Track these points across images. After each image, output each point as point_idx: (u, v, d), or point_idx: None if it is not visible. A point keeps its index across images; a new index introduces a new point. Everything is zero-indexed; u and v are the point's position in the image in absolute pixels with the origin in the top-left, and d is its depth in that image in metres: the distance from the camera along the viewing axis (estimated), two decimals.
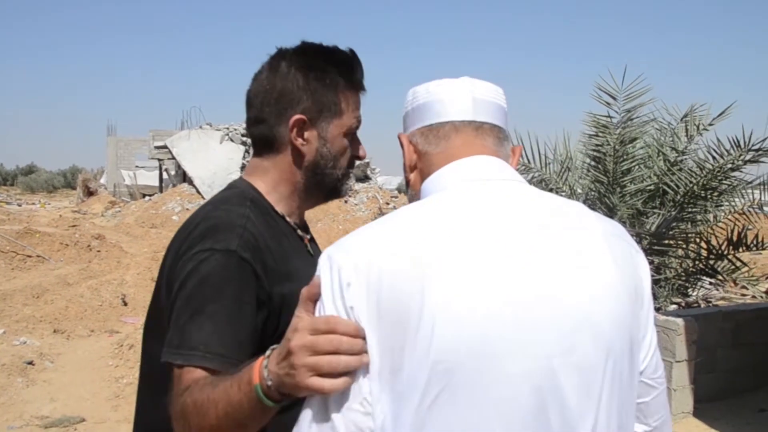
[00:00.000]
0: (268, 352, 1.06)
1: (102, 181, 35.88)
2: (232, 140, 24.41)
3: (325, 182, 1.58)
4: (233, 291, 1.33)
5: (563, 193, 7.66)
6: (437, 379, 0.94)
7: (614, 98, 6.81)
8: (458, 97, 1.19)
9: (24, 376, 6.59)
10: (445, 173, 1.15)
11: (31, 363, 6.93)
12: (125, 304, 10.00)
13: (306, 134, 1.50)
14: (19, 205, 30.09)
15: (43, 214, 25.06)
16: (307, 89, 1.49)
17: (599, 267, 1.04)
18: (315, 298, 1.02)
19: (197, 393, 1.18)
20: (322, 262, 1.03)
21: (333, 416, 0.97)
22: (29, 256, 13.83)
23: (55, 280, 11.71)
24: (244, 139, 24.44)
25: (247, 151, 23.99)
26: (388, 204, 18.50)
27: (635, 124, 6.91)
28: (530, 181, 7.80)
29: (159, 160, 28.02)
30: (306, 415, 1.01)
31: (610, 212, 6.79)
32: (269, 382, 1.04)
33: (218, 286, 1.32)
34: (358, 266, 0.98)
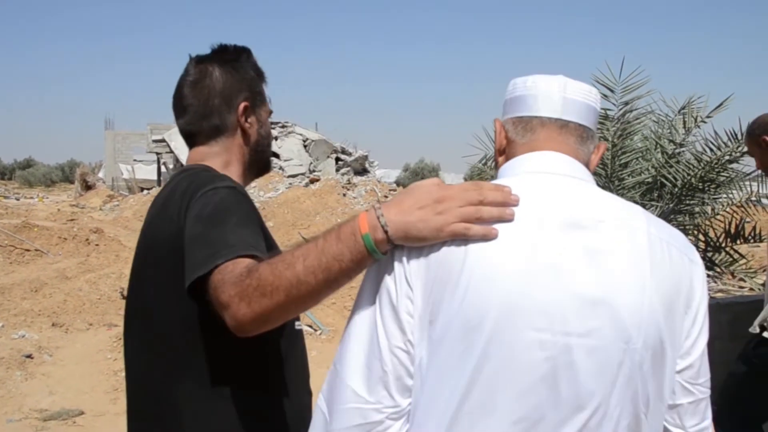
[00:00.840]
0: (375, 206, 1.16)
1: (100, 175, 35.88)
2: None
3: (263, 159, 1.82)
4: (247, 209, 1.48)
5: None
6: (465, 331, 1.10)
7: (612, 90, 6.79)
8: (551, 94, 1.29)
9: (23, 369, 6.60)
10: (519, 162, 1.29)
11: (29, 356, 6.94)
12: (124, 297, 9.98)
13: (249, 119, 1.72)
14: (18, 199, 30.06)
15: (42, 208, 25.05)
16: (244, 81, 1.72)
17: (631, 267, 1.15)
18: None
19: (267, 263, 1.21)
20: None
21: (383, 352, 1.14)
22: (27, 250, 13.83)
23: (54, 273, 11.72)
24: None
25: None
26: (386, 197, 18.49)
27: (633, 117, 6.89)
28: None
29: (157, 153, 28.04)
30: (354, 349, 1.17)
31: None
32: (387, 229, 1.12)
33: (232, 206, 1.45)
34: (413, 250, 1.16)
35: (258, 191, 20.83)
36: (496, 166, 1.39)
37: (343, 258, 1.15)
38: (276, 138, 24.74)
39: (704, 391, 1.27)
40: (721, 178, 6.76)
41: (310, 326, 8.49)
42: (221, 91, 1.69)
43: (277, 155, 23.79)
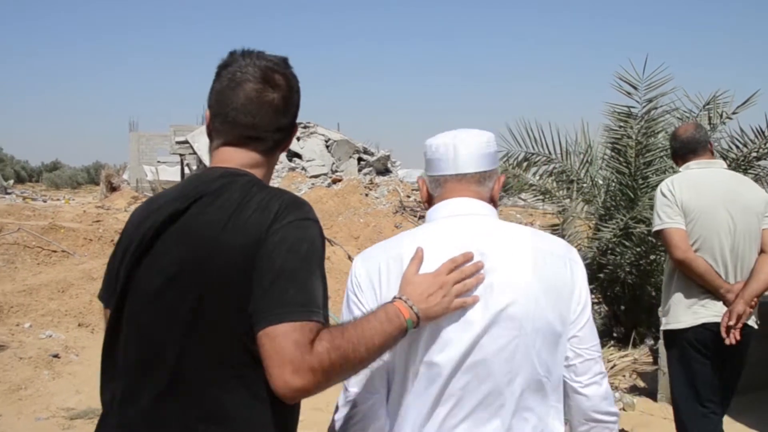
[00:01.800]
0: (403, 297, 1.57)
1: (125, 176, 36.22)
2: None
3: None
4: (323, 257, 1.57)
5: (585, 185, 7.61)
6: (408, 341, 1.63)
7: (635, 88, 6.72)
8: (448, 157, 1.75)
9: (50, 368, 6.68)
10: (436, 209, 1.78)
11: (56, 356, 7.02)
12: None
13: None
14: (44, 201, 30.41)
15: (68, 209, 25.29)
16: (298, 105, 1.74)
17: (517, 277, 1.63)
18: (420, 262, 1.64)
19: (338, 339, 1.44)
20: (355, 264, 1.78)
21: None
22: (54, 251, 13.99)
23: (80, 274, 11.83)
24: None
25: None
26: (408, 197, 18.44)
27: (657, 114, 6.81)
28: (551, 173, 7.80)
29: (180, 155, 28.26)
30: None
31: (632, 204, 6.73)
32: (419, 314, 1.56)
33: (321, 251, 1.55)
34: (365, 268, 1.73)
35: None
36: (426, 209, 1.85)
37: (392, 336, 1.53)
38: (298, 138, 24.82)
39: (591, 354, 1.71)
40: (749, 176, 6.67)
41: None
42: (293, 112, 1.73)
43: (299, 155, 23.87)
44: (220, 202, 1.54)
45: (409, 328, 1.55)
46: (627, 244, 6.78)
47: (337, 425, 1.77)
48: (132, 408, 1.54)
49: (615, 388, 5.76)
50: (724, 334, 3.32)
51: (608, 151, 7.31)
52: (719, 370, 3.49)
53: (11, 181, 37.94)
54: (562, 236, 7.14)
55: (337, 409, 1.78)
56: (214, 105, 1.68)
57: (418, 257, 1.64)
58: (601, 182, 7.58)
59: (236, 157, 1.65)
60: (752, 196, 3.50)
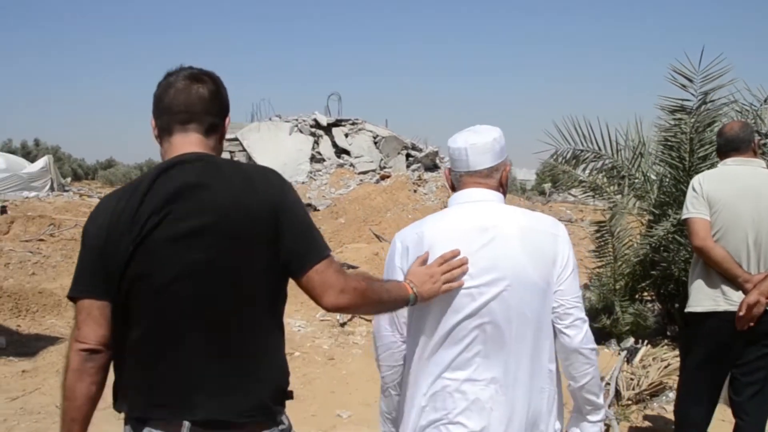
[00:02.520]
0: (408, 280, 2.14)
1: None
2: (301, 131, 24.64)
3: None
4: None
5: (636, 181, 7.46)
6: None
7: (690, 80, 6.53)
8: (461, 159, 2.27)
9: None
10: (455, 197, 2.31)
11: None
12: None
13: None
14: (100, 198, 31.16)
15: None
16: (226, 98, 2.08)
17: (511, 247, 2.14)
18: (423, 261, 2.18)
19: (367, 279, 2.07)
20: (394, 238, 2.34)
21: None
22: None
23: None
24: (313, 130, 24.63)
25: (316, 142, 24.20)
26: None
27: (713, 107, 6.61)
28: (601, 168, 7.68)
29: (230, 152, 28.48)
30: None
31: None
32: (416, 293, 2.10)
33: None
34: (400, 240, 2.29)
35: (329, 188, 21.01)
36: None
37: (400, 298, 2.10)
38: (346, 135, 24.90)
39: (571, 303, 2.18)
40: None
41: None
42: (224, 102, 2.07)
43: (347, 152, 23.95)
44: (232, 174, 1.91)
45: (410, 302, 2.11)
46: (681, 240, 6.62)
47: (376, 352, 2.43)
48: (173, 367, 1.85)
49: (669, 388, 5.64)
50: (738, 325, 3.53)
51: (661, 146, 7.14)
52: (735, 357, 3.68)
53: (69, 179, 38.89)
54: (610, 233, 7.02)
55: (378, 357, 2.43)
56: (154, 110, 2.01)
57: (422, 258, 2.18)
58: (654, 178, 7.42)
59: (190, 141, 1.96)
60: None
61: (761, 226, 3.57)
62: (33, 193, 28.02)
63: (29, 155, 40.85)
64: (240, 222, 1.83)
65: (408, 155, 25.22)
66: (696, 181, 3.76)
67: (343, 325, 7.96)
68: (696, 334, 3.80)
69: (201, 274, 1.81)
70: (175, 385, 1.84)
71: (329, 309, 1.97)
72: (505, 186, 2.32)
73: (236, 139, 25.97)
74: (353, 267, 10.59)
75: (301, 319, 8.35)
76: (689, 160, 6.53)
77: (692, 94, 6.56)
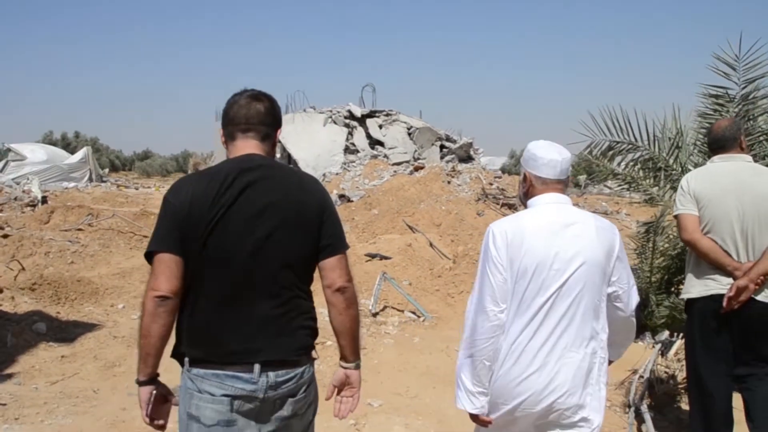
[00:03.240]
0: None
1: (211, 164, 37.20)
2: (335, 123, 24.69)
3: None
4: None
5: (674, 172, 7.33)
6: (518, 271, 2.73)
7: (733, 68, 6.38)
8: (554, 168, 2.87)
9: None
10: (541, 198, 2.87)
11: None
12: None
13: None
14: (137, 189, 31.58)
15: (158, 196, 26.19)
16: (279, 113, 2.68)
17: (589, 240, 2.76)
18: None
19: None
20: (488, 230, 2.82)
21: (493, 284, 2.74)
22: (145, 237, 14.52)
23: None
24: (347, 121, 24.66)
25: (350, 133, 24.22)
26: (491, 184, 18.25)
27: (758, 96, 6.44)
28: (637, 160, 7.55)
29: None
30: (481, 290, 2.77)
31: None
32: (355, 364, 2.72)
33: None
34: (500, 231, 2.77)
35: (363, 179, 21.02)
36: (524, 198, 2.98)
37: (358, 340, 2.68)
38: (381, 126, 24.88)
39: (621, 287, 2.85)
40: None
41: (414, 312, 8.51)
42: (277, 116, 2.66)
43: (381, 143, 23.94)
44: (287, 176, 2.52)
45: (353, 366, 2.69)
46: None
47: (478, 332, 2.75)
48: (249, 324, 2.39)
49: None
50: (725, 304, 3.85)
51: (701, 137, 6.99)
52: (735, 338, 3.98)
53: (106, 170, 39.55)
54: (657, 229, 6.94)
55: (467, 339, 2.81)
56: (222, 121, 2.60)
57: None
58: (691, 169, 7.28)
59: (248, 147, 2.53)
60: (766, 186, 3.93)
61: (746, 217, 3.89)
62: (72, 184, 28.55)
63: (69, 147, 41.57)
64: (291, 211, 2.43)
65: (442, 146, 25.13)
66: (684, 180, 4.13)
67: (375, 315, 7.98)
68: (690, 319, 4.18)
69: (260, 247, 2.38)
70: (243, 334, 2.37)
71: (335, 286, 2.48)
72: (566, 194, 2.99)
73: None
74: (386, 258, 10.61)
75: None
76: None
77: (735, 83, 6.40)
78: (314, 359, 2.58)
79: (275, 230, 2.39)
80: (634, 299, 2.91)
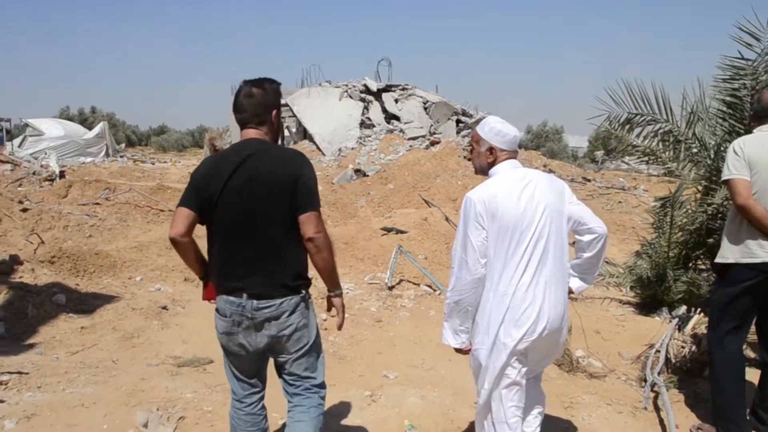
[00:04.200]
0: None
1: (227, 139, 37.23)
2: (351, 97, 24.61)
3: (277, 137, 3.43)
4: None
5: (693, 145, 7.25)
6: (498, 230, 3.27)
7: (757, 39, 6.25)
8: (514, 140, 3.51)
9: (159, 319, 7.01)
10: (501, 166, 3.47)
11: (164, 308, 7.36)
12: None
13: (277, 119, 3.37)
14: (153, 164, 31.69)
15: (174, 171, 26.32)
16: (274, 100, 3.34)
17: (545, 189, 3.38)
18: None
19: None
20: (466, 198, 3.37)
21: (474, 244, 3.29)
22: (162, 211, 14.60)
23: None
24: (363, 95, 24.57)
25: (366, 108, 24.12)
26: (547, 167, 18.13)
27: None
28: (656, 132, 7.46)
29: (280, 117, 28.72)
30: (461, 249, 3.34)
31: None
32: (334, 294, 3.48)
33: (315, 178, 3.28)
34: (479, 198, 3.31)
35: (379, 153, 20.97)
36: (487, 168, 3.52)
37: (336, 277, 3.40)
38: (396, 101, 24.78)
39: (581, 215, 3.47)
40: None
41: (430, 286, 8.53)
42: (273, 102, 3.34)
43: (397, 117, 23.84)
44: (271, 156, 3.19)
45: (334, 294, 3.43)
46: None
47: (461, 284, 3.34)
48: (241, 264, 3.18)
49: None
50: None
51: (721, 110, 6.89)
52: (762, 307, 4.25)
53: (123, 145, 39.70)
54: (675, 203, 6.90)
55: (453, 282, 3.40)
56: (242, 107, 3.27)
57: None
58: (711, 143, 7.19)
59: (251, 132, 3.28)
60: None
61: None
62: (89, 159, 28.72)
63: (86, 122, 41.76)
64: (272, 181, 3.13)
65: (458, 121, 25.01)
66: (737, 144, 4.12)
67: (391, 288, 8.00)
68: (722, 283, 4.30)
69: (249, 208, 3.14)
70: (238, 273, 3.19)
71: (306, 236, 3.14)
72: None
73: (286, 105, 26.09)
74: (402, 232, 10.61)
75: (349, 282, 8.42)
76: (749, 124, 6.29)
77: (758, 53, 6.28)
78: (299, 294, 3.24)
79: (260, 196, 3.13)
80: (600, 223, 3.50)
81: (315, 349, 3.37)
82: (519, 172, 3.41)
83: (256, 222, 3.14)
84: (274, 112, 3.29)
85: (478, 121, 24.52)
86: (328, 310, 3.49)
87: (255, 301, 3.15)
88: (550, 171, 22.09)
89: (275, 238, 3.16)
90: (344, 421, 4.60)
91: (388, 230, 10.84)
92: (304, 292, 3.25)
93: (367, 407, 4.83)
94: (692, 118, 7.23)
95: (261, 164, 3.14)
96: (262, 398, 3.50)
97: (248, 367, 3.39)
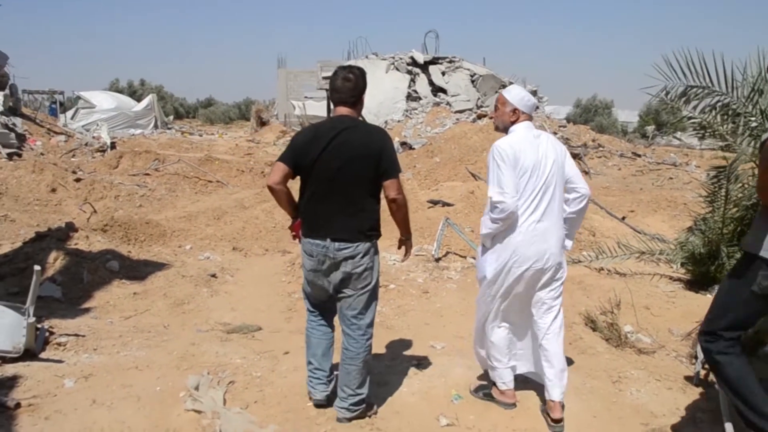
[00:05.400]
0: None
1: (273, 111, 37.43)
2: (397, 69, 24.47)
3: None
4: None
5: (753, 119, 7.02)
6: (523, 172, 3.99)
7: None
8: (534, 106, 4.28)
9: (208, 287, 7.13)
10: (520, 125, 4.16)
11: (214, 276, 7.48)
12: None
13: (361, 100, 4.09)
14: (200, 136, 32.05)
15: (221, 143, 26.60)
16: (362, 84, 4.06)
17: (552, 147, 4.13)
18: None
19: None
20: (494, 146, 4.08)
21: (508, 180, 3.97)
22: (210, 182, 14.80)
23: (233, 203, 12.47)
24: (410, 68, 24.41)
25: (412, 80, 23.98)
26: (555, 133, 17.88)
27: None
28: (714, 105, 7.24)
29: (326, 90, 28.66)
30: (498, 180, 3.99)
31: None
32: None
33: (394, 149, 4.13)
34: (506, 146, 4.03)
35: (425, 126, 20.87)
36: (509, 125, 4.18)
37: (409, 229, 4.29)
38: (443, 73, 24.56)
39: (572, 174, 4.18)
40: None
41: (476, 258, 8.47)
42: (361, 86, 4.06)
43: (444, 90, 23.66)
44: (360, 131, 3.93)
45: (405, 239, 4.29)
46: None
47: (499, 214, 3.97)
48: (328, 213, 3.94)
49: None
50: None
51: None
52: None
53: (171, 117, 40.24)
54: (730, 176, 6.72)
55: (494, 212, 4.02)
56: (330, 89, 4.03)
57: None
58: None
59: (343, 110, 3.99)
60: None
61: None
62: (138, 131, 29.19)
63: (135, 94, 42.40)
64: (359, 150, 3.87)
65: None
66: None
67: (438, 260, 7.98)
68: (745, 273, 3.57)
69: (339, 170, 3.87)
70: (325, 219, 3.94)
71: (388, 198, 3.92)
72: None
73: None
74: (449, 204, 10.56)
75: (396, 253, 8.42)
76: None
77: None
78: (371, 242, 4.01)
79: (348, 161, 3.87)
80: (584, 184, 4.19)
81: (374, 291, 4.13)
82: (533, 131, 4.15)
83: (343, 182, 3.88)
84: (363, 96, 4.07)
85: None
86: (399, 248, 4.38)
87: (336, 243, 3.91)
88: (599, 146, 21.72)
89: (358, 195, 3.91)
90: (391, 390, 4.62)
91: (435, 203, 10.81)
92: (374, 241, 4.04)
93: (413, 376, 4.84)
94: (754, 90, 6.99)
95: (352, 137, 3.88)
96: (331, 318, 4.33)
97: (323, 298, 4.20)
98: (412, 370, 4.93)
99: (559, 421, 4.14)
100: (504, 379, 4.36)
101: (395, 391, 4.60)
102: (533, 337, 4.35)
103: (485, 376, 4.70)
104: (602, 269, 7.87)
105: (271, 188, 3.96)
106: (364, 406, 4.16)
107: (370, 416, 4.21)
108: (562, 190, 4.14)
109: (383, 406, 4.38)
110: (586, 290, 7.21)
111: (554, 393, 4.15)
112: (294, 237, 4.17)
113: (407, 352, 5.30)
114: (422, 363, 5.04)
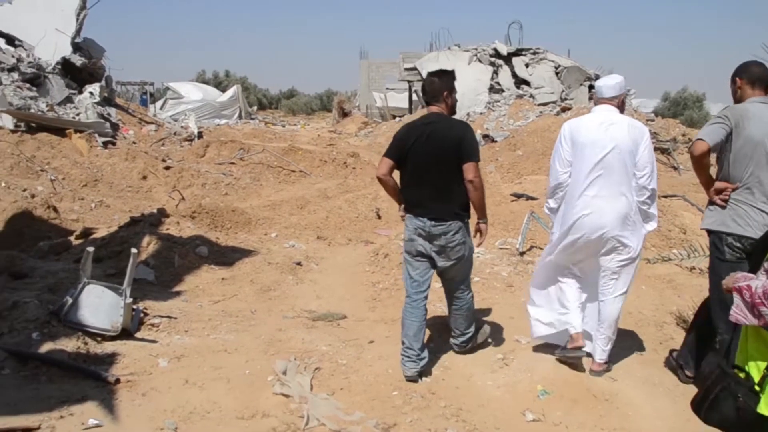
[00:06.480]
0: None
1: (355, 103, 37.66)
2: (480, 61, 24.21)
3: (454, 111, 4.85)
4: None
5: None
6: (580, 149, 4.58)
7: None
8: (600, 92, 4.74)
9: (294, 274, 7.24)
10: (598, 107, 4.70)
11: (299, 264, 7.58)
12: (379, 217, 10.51)
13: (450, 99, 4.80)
14: (283, 126, 32.57)
15: (304, 133, 26.96)
16: (450, 84, 4.80)
17: (623, 132, 4.49)
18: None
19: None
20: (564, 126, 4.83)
21: (561, 155, 4.71)
22: (293, 171, 15.02)
23: (316, 193, 12.62)
24: (493, 59, 24.13)
25: (495, 72, 23.71)
26: None
27: None
28: None
29: (408, 81, 28.62)
30: (554, 157, 4.79)
31: None
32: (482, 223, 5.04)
33: (476, 138, 4.85)
34: (567, 125, 4.75)
35: (508, 119, 20.60)
36: (595, 105, 4.84)
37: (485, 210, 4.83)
38: (527, 65, 24.18)
39: (643, 166, 4.49)
40: None
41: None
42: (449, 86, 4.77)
43: (527, 82, 23.31)
44: (444, 123, 4.63)
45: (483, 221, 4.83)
46: None
47: (554, 186, 4.73)
48: (423, 196, 4.64)
49: None
50: None
51: None
52: None
53: (255, 108, 41.03)
54: None
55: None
56: (426, 91, 4.83)
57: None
58: None
59: (433, 108, 4.72)
60: None
61: None
62: (223, 121, 29.90)
63: (220, 85, 43.35)
64: (444, 141, 4.54)
65: (591, 87, 24.07)
66: None
67: (522, 254, 7.87)
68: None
69: (429, 159, 4.56)
70: (421, 201, 4.63)
71: (467, 179, 4.51)
72: (621, 107, 4.69)
73: (414, 69, 26.03)
74: (533, 198, 10.40)
75: (480, 247, 8.34)
76: None
77: None
78: (462, 220, 4.64)
79: (435, 150, 4.56)
80: (648, 180, 4.49)
81: (468, 260, 4.84)
82: (609, 115, 4.58)
83: (434, 168, 4.57)
84: (445, 93, 4.69)
85: None
86: (476, 234, 4.81)
87: (433, 221, 4.58)
88: (690, 141, 20.95)
89: (447, 179, 4.56)
90: (476, 382, 4.59)
91: (519, 196, 10.66)
92: (466, 220, 4.69)
93: (498, 370, 4.80)
94: None
95: (437, 129, 4.58)
96: (425, 298, 4.76)
97: (421, 272, 4.74)
98: (497, 363, 4.88)
99: (597, 372, 4.72)
100: (572, 323, 4.79)
101: (480, 384, 4.57)
102: (595, 299, 4.83)
103: (573, 375, 4.63)
104: (694, 268, 7.59)
105: (380, 179, 4.75)
106: (472, 343, 5.06)
107: (483, 342, 5.19)
108: (626, 174, 4.49)
109: (467, 398, 4.35)
110: (676, 289, 6.98)
111: (596, 353, 4.76)
112: (402, 218, 4.85)
113: (492, 345, 5.24)
114: (507, 356, 4.99)
